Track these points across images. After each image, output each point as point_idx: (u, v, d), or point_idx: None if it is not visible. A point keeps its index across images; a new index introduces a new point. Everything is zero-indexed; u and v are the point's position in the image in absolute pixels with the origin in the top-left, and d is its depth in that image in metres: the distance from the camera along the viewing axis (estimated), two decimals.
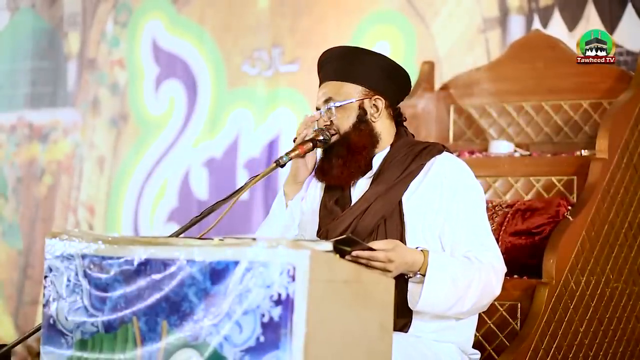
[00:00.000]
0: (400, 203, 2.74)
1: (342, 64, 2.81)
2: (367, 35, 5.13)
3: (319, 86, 2.86)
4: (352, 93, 2.80)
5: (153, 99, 5.89)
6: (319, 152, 2.87)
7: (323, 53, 2.88)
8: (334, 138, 2.80)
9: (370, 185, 2.79)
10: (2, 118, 6.45)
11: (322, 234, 2.79)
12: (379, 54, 2.86)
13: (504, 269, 2.73)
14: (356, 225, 2.73)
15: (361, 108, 2.79)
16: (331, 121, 2.80)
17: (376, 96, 2.81)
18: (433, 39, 4.95)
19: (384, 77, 2.82)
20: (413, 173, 2.77)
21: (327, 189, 2.88)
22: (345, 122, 2.79)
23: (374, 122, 2.80)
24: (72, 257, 2.36)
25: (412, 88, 3.01)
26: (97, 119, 6.07)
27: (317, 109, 2.84)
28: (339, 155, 2.78)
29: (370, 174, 2.81)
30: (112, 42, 6.06)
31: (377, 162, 2.81)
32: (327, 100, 2.80)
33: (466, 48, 4.82)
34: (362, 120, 2.79)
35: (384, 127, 2.82)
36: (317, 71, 2.89)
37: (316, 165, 2.87)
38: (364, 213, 2.74)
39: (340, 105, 2.78)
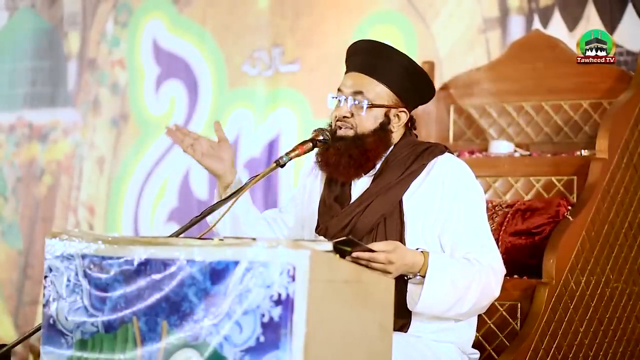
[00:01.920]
0: (400, 202, 2.74)
1: (378, 60, 2.77)
2: (367, 36, 5.08)
3: (348, 72, 2.81)
4: (383, 96, 2.77)
5: (153, 99, 5.89)
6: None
7: (361, 40, 2.83)
8: (349, 132, 2.77)
9: (371, 183, 2.79)
10: (2, 118, 6.44)
11: (321, 230, 2.79)
12: (414, 62, 2.82)
13: (504, 271, 2.73)
14: (356, 223, 2.73)
15: (386, 116, 2.78)
16: (351, 114, 2.78)
17: (402, 107, 2.79)
18: (433, 39, 4.94)
19: (412, 87, 2.80)
20: (414, 173, 2.76)
21: (327, 185, 2.88)
22: (367, 123, 2.76)
23: (392, 132, 2.79)
24: (72, 257, 2.36)
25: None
26: (97, 119, 6.07)
27: (340, 90, 2.80)
28: (350, 156, 2.75)
29: (372, 172, 2.81)
30: (113, 42, 6.06)
31: (379, 160, 2.81)
32: (357, 92, 2.76)
33: (466, 48, 4.82)
34: (384, 128, 2.77)
35: (397, 135, 2.82)
36: (347, 57, 2.83)
37: (319, 153, 2.83)
38: (364, 211, 2.74)
39: (370, 106, 2.76)
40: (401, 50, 2.83)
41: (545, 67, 3.90)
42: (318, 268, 2.08)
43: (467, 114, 4.04)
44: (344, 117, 2.76)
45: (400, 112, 2.79)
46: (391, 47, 2.83)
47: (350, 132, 2.76)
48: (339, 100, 2.79)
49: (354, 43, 2.84)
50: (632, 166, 3.45)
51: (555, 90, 3.88)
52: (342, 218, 2.76)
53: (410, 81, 2.79)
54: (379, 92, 2.76)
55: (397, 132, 2.81)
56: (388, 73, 2.76)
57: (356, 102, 2.76)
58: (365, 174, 2.81)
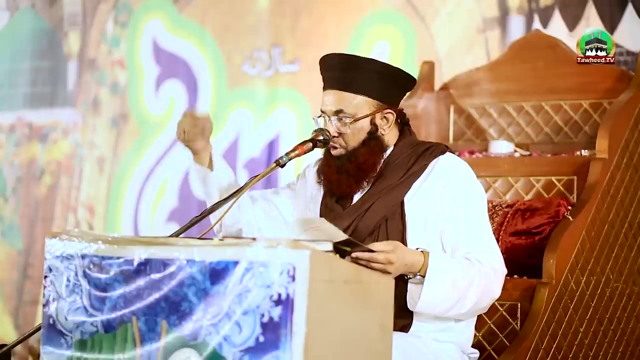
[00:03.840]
0: (402, 203, 2.74)
1: (349, 73, 2.76)
2: (367, 35, 5.12)
3: (325, 90, 2.82)
4: (363, 107, 2.76)
5: (153, 99, 5.89)
6: (318, 151, 2.86)
7: (328, 56, 2.84)
8: (342, 151, 2.78)
9: (373, 184, 2.79)
10: (2, 118, 6.44)
11: None
12: (384, 62, 2.82)
13: (504, 271, 2.73)
14: (357, 224, 2.73)
15: (372, 123, 2.78)
16: (339, 133, 2.78)
17: (387, 110, 2.79)
18: (433, 39, 4.94)
19: (391, 86, 2.79)
20: (416, 174, 2.76)
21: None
22: (356, 137, 2.77)
23: (383, 135, 2.79)
24: (72, 257, 2.36)
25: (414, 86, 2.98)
26: (97, 119, 6.07)
27: (322, 111, 2.81)
28: (349, 173, 2.76)
29: (373, 173, 2.80)
30: (113, 42, 6.06)
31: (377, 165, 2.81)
32: (337, 112, 2.77)
33: (466, 48, 4.82)
34: (373, 136, 2.77)
35: (391, 136, 2.82)
36: (321, 71, 2.85)
37: (321, 169, 2.85)
38: (366, 212, 2.74)
39: (352, 122, 2.76)
40: (370, 57, 2.83)
41: (545, 67, 3.90)
42: (318, 268, 2.08)
43: (467, 114, 4.04)
44: (333, 137, 2.78)
45: (386, 114, 2.79)
46: (359, 56, 2.83)
47: (342, 151, 2.78)
48: (324, 120, 2.80)
49: (323, 58, 2.84)
50: (632, 166, 3.44)
51: (555, 90, 3.87)
52: (343, 220, 2.75)
53: (387, 83, 2.78)
54: (358, 104, 2.76)
55: (388, 133, 2.81)
56: (362, 83, 2.76)
57: (339, 119, 2.76)
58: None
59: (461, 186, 2.74)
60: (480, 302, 2.66)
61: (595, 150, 3.37)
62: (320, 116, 2.81)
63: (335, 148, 2.79)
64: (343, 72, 2.78)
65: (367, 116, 2.76)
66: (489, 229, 2.77)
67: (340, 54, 2.85)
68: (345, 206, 2.80)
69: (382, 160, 2.80)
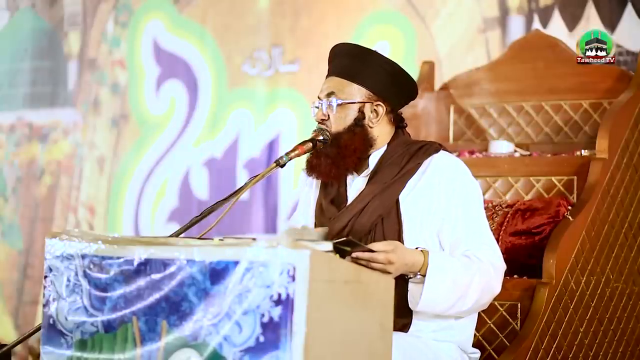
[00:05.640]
0: (397, 202, 2.74)
1: (352, 62, 2.79)
2: (367, 35, 5.12)
3: (326, 77, 2.85)
4: (355, 94, 2.78)
5: (153, 99, 5.89)
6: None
7: (337, 45, 2.87)
8: (328, 135, 2.80)
9: (367, 184, 2.79)
10: (2, 118, 6.44)
11: None
12: (390, 60, 2.84)
13: (504, 267, 2.73)
14: (353, 225, 2.73)
15: (360, 111, 2.78)
16: (328, 116, 2.80)
17: (378, 102, 2.80)
18: (433, 39, 4.94)
19: (390, 83, 2.80)
20: (410, 172, 2.77)
21: (322, 188, 2.89)
22: (341, 121, 2.78)
23: (371, 127, 2.79)
24: (72, 257, 2.36)
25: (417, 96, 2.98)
26: (98, 119, 6.07)
27: (319, 98, 2.83)
28: (328, 155, 2.77)
29: (367, 172, 2.81)
30: (113, 42, 6.06)
31: (373, 161, 2.81)
32: (329, 95, 2.79)
33: (466, 48, 4.82)
34: (359, 124, 2.78)
35: (381, 132, 2.82)
36: (328, 62, 2.87)
37: (306, 160, 2.86)
38: (361, 212, 2.74)
39: (341, 104, 2.78)
40: (374, 49, 2.85)
41: (545, 67, 3.90)
42: (318, 268, 2.08)
43: (467, 114, 4.04)
44: (322, 119, 2.80)
45: (376, 106, 2.79)
46: (365, 47, 2.85)
47: (329, 135, 2.79)
48: (317, 107, 2.81)
49: (332, 49, 2.88)
50: (632, 166, 3.44)
51: (555, 90, 3.87)
52: (339, 220, 2.75)
53: (386, 77, 2.79)
54: (351, 90, 2.78)
55: (377, 127, 2.80)
56: (361, 72, 2.78)
57: (329, 103, 2.78)
58: (358, 174, 2.81)
59: (457, 184, 2.75)
60: (481, 299, 2.67)
61: (595, 150, 3.37)
62: (317, 106, 2.82)
63: (326, 134, 2.80)
64: (345, 60, 2.80)
65: (355, 103, 2.77)
66: (487, 226, 2.77)
67: (346, 43, 2.88)
68: (340, 207, 2.80)
69: (376, 155, 2.80)
